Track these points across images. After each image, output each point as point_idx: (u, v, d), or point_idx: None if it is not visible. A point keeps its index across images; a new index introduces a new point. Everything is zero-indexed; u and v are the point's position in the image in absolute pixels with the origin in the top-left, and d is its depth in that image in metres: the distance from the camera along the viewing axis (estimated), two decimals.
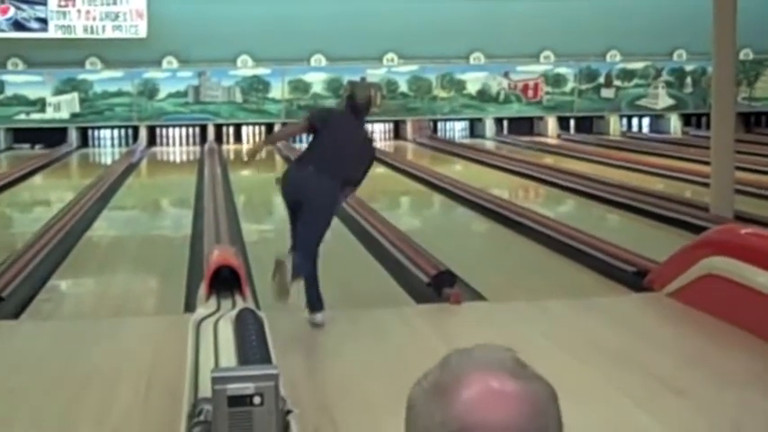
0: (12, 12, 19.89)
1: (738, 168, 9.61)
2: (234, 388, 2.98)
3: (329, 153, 6.04)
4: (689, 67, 21.86)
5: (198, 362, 4.28)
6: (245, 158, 6.54)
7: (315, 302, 5.94)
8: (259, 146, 6.69)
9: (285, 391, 3.43)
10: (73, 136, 20.38)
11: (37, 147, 20.07)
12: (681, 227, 9.14)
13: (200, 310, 5.39)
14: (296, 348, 4.53)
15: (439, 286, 6.60)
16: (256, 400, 3.02)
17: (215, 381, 3.06)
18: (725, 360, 5.16)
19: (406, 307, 6.52)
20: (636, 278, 6.93)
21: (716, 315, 5.73)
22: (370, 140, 6.62)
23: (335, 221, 10.66)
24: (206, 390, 3.58)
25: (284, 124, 20.79)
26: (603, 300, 6.67)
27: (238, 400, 3.02)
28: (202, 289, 5.86)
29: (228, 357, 4.22)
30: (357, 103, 6.25)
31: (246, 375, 3.04)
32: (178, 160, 20.09)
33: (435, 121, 21.66)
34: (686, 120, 22.19)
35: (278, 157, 18.70)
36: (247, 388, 2.97)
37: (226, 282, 5.81)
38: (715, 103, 9.39)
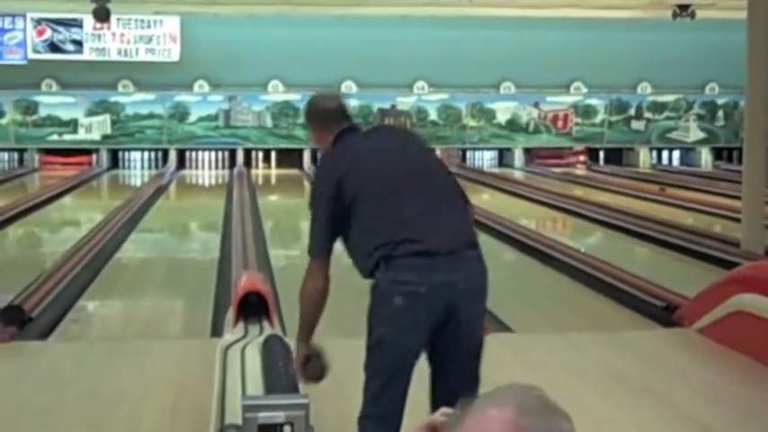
0: (48, 33, 20.15)
1: None
2: (265, 416, 2.98)
3: (402, 216, 3.39)
4: (720, 101, 21.79)
5: (225, 387, 4.29)
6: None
7: None
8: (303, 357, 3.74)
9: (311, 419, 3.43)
10: (104, 157, 20.57)
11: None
12: (711, 262, 9.08)
13: (228, 336, 5.40)
14: None
15: None
16: (287, 429, 3.02)
17: (246, 408, 3.06)
18: (753, 398, 5.11)
19: None
20: (665, 313, 6.88)
21: (745, 353, 5.68)
22: (422, 141, 3.87)
23: None
24: (233, 416, 3.59)
25: (314, 151, 20.93)
26: (631, 334, 6.62)
27: (269, 429, 3.02)
28: (230, 314, 5.87)
29: (255, 384, 4.22)
30: (328, 110, 3.74)
31: (277, 404, 3.05)
32: (207, 184, 20.19)
33: (464, 150, 21.68)
34: (717, 153, 22.08)
35: (306, 183, 18.76)
36: (278, 417, 2.97)
37: (253, 307, 5.82)
38: (747, 137, 9.34)
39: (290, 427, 3.03)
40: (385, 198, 3.42)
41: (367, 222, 3.41)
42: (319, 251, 3.54)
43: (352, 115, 3.82)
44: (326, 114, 3.73)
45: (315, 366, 3.60)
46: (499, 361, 5.76)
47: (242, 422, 3.05)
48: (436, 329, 3.29)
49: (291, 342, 5.19)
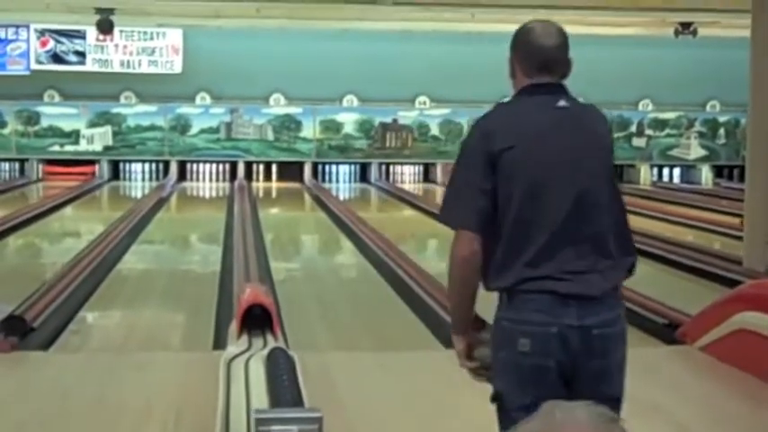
0: (51, 44, 20.18)
1: None
2: (278, 430, 2.97)
3: (558, 221, 2.76)
4: (722, 119, 21.82)
5: (229, 400, 4.28)
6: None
7: None
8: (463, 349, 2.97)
9: None
10: (105, 169, 20.58)
11: None
12: (713, 279, 9.08)
13: (232, 348, 5.40)
14: (326, 390, 4.52)
15: None
16: None
17: (259, 422, 3.05)
18: (754, 417, 5.10)
19: (434, 351, 6.49)
20: (667, 330, 6.87)
21: (748, 371, 5.67)
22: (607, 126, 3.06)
23: (364, 263, 10.72)
24: (238, 429, 3.58)
25: (315, 165, 20.94)
26: (633, 351, 6.57)
27: None
28: (234, 327, 5.86)
29: (260, 397, 4.21)
30: (540, 49, 2.85)
31: (290, 417, 3.03)
32: (208, 196, 20.19)
33: None
34: (718, 171, 22.11)
35: (307, 196, 18.77)
36: (291, 430, 2.96)
37: (257, 320, 5.81)
38: (749, 155, 9.35)
39: None
40: (543, 213, 2.75)
41: (507, 229, 2.75)
42: (461, 221, 2.77)
43: (570, 62, 2.89)
44: (535, 53, 2.86)
45: (482, 356, 2.88)
46: None
47: None
48: (564, 385, 2.73)
49: (295, 355, 5.20)
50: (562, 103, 2.84)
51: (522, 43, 2.88)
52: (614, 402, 2.82)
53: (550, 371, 2.71)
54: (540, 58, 2.84)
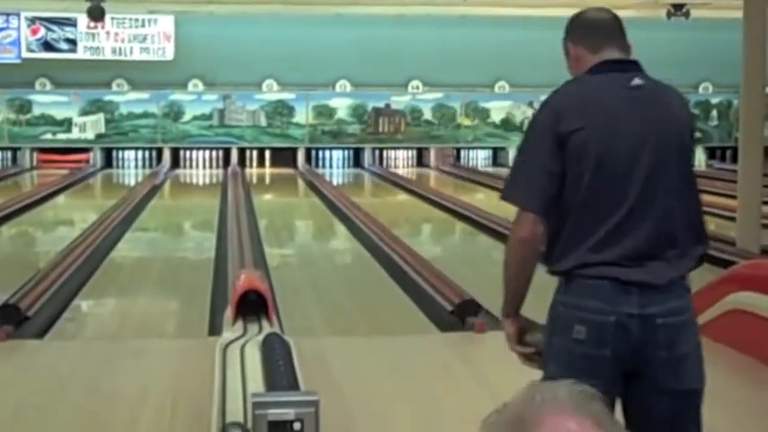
0: (42, 32, 20.11)
1: (766, 203, 9.56)
2: (274, 413, 2.98)
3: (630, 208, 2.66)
4: (714, 100, 21.84)
5: (225, 386, 4.28)
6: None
7: None
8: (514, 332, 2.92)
9: None
10: (98, 156, 20.55)
11: None
12: (706, 260, 9.06)
13: (227, 334, 5.40)
14: (322, 374, 4.53)
15: (463, 314, 6.58)
16: (296, 425, 3.02)
17: (256, 405, 3.05)
18: (750, 396, 5.12)
19: (429, 335, 6.50)
20: None
21: (742, 351, 5.69)
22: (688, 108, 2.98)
23: (358, 248, 10.73)
24: (234, 414, 3.59)
25: (308, 150, 20.92)
26: None
27: (279, 426, 3.01)
28: (229, 313, 5.87)
29: (256, 382, 4.22)
30: (599, 21, 2.84)
31: (287, 401, 3.04)
32: (201, 183, 20.18)
33: (459, 150, 21.70)
34: (711, 153, 22.14)
35: (300, 182, 18.76)
36: (288, 414, 2.97)
37: (252, 306, 5.82)
38: (742, 136, 9.36)
39: (300, 423, 3.02)
40: (611, 196, 2.64)
41: (573, 211, 2.66)
42: (525, 201, 2.71)
43: (629, 45, 2.83)
44: (595, 26, 2.80)
45: (536, 342, 2.82)
46: (498, 359, 5.76)
47: (252, 419, 3.05)
48: (624, 376, 2.62)
49: (291, 340, 5.20)
50: (637, 81, 2.75)
51: (578, 23, 2.82)
52: (689, 396, 2.76)
53: (605, 360, 2.60)
54: (600, 29, 2.78)
